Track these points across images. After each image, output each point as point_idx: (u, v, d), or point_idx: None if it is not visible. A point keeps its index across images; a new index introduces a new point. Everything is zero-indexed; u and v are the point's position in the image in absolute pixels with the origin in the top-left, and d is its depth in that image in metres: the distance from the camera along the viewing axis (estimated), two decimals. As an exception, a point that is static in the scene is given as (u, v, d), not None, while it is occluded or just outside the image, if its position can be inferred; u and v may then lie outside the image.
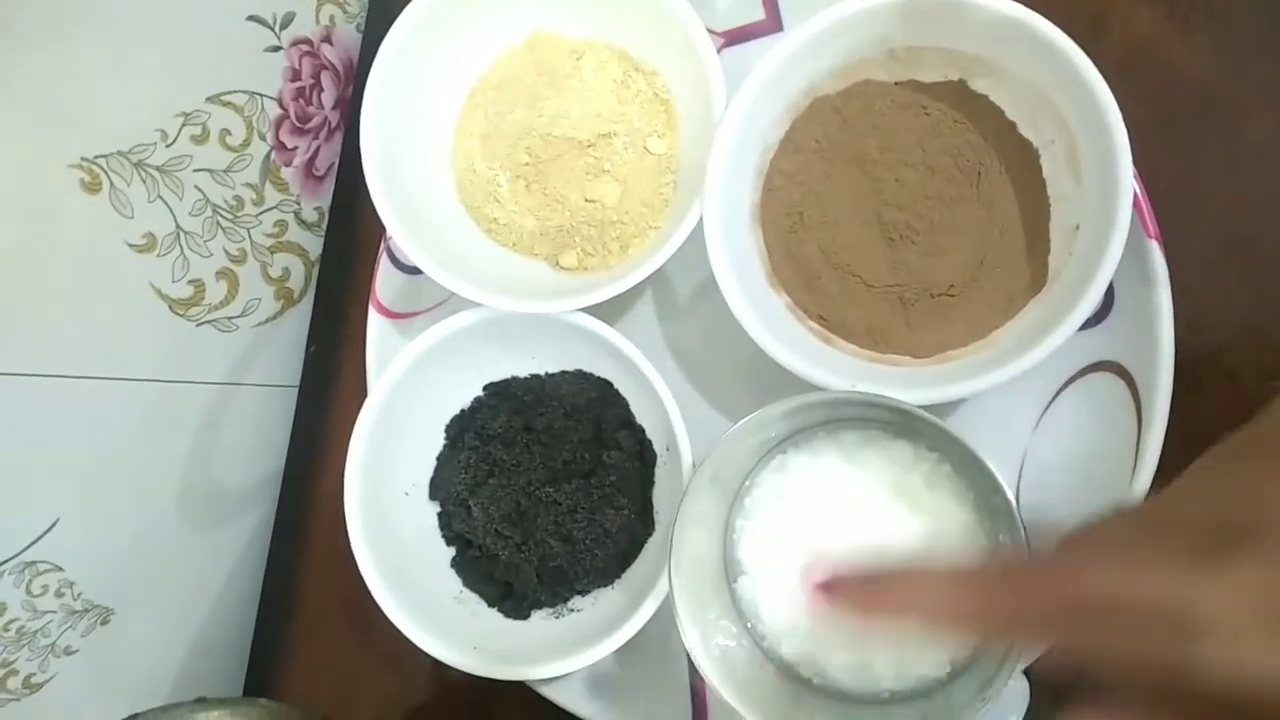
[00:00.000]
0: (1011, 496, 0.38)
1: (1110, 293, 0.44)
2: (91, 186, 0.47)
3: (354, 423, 0.50)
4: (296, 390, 0.64)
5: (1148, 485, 0.42)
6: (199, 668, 0.59)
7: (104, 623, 0.52)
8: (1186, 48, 0.47)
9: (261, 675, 0.63)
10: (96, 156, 0.47)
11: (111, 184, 0.47)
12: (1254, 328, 0.45)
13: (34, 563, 0.47)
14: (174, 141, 0.51)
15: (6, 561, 0.46)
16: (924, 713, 0.42)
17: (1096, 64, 0.40)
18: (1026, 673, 0.44)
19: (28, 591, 0.47)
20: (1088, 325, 0.44)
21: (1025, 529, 0.45)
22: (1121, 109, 0.40)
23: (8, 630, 0.46)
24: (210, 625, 0.60)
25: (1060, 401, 0.46)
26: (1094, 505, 0.43)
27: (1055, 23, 0.41)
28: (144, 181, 0.49)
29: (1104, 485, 0.43)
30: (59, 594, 0.49)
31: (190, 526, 0.57)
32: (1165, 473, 0.42)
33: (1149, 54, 0.47)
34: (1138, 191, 0.43)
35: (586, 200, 0.51)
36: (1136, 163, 0.42)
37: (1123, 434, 0.43)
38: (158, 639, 0.57)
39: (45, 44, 0.44)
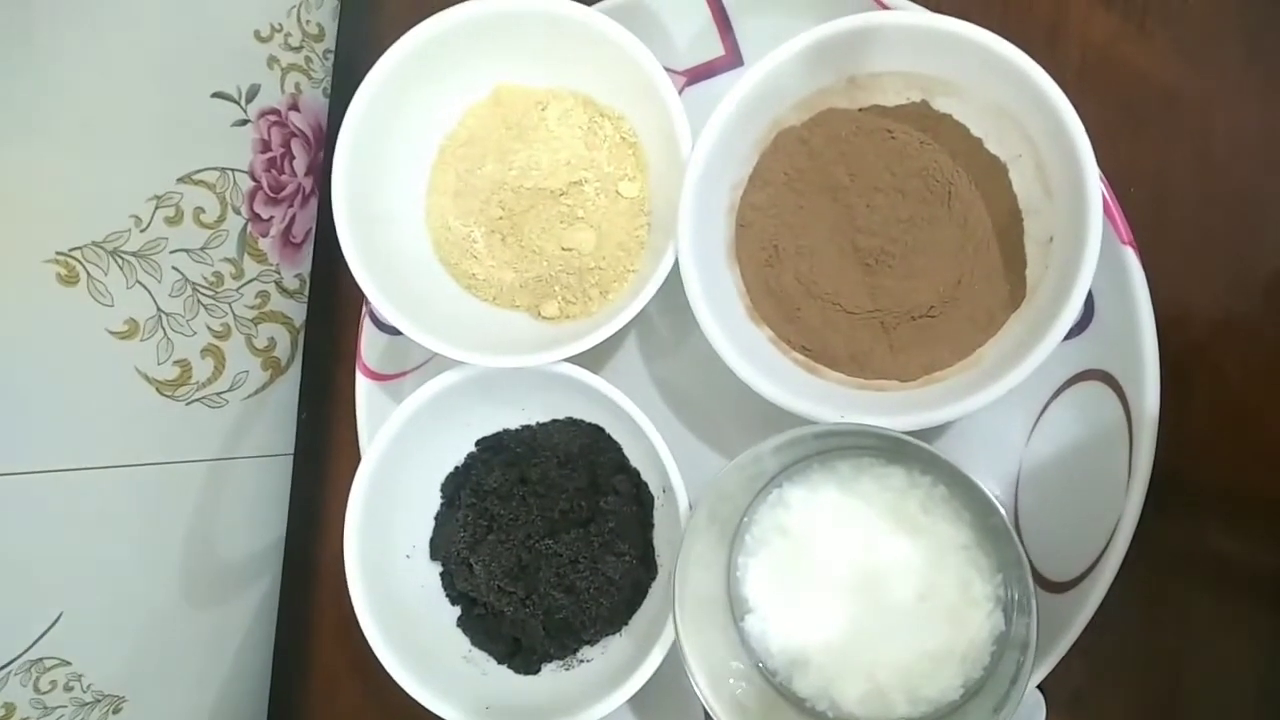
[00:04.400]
0: (1005, 515, 0.38)
1: (1090, 302, 0.44)
2: (68, 279, 0.47)
3: (351, 487, 0.50)
4: (291, 458, 0.64)
5: (1144, 488, 0.42)
6: (216, 746, 0.59)
7: (116, 711, 0.52)
8: (1146, 48, 0.47)
9: (280, 747, 0.63)
10: (71, 249, 0.47)
11: (88, 274, 0.47)
12: (1235, 322, 0.44)
13: (40, 659, 0.47)
14: (148, 226, 0.51)
15: (11, 662, 0.45)
16: (941, 738, 0.42)
17: (1057, 72, 0.40)
18: (1040, 687, 0.44)
19: (35, 689, 0.47)
20: (1070, 335, 0.44)
21: (1024, 546, 0.45)
22: (1087, 114, 0.40)
23: (19, 730, 0.46)
24: (225, 701, 0.59)
25: (1050, 413, 0.46)
26: (1093, 513, 0.43)
27: (1012, 33, 0.41)
28: (121, 269, 0.49)
29: (1101, 492, 0.43)
30: (68, 688, 0.48)
31: (196, 605, 0.57)
32: (1159, 475, 0.42)
33: (1109, 58, 0.47)
34: (1108, 198, 0.43)
35: (563, 249, 0.51)
36: (1106, 168, 0.42)
37: (1115, 440, 0.43)
38: (173, 722, 0.56)
39: (10, 140, 0.44)
